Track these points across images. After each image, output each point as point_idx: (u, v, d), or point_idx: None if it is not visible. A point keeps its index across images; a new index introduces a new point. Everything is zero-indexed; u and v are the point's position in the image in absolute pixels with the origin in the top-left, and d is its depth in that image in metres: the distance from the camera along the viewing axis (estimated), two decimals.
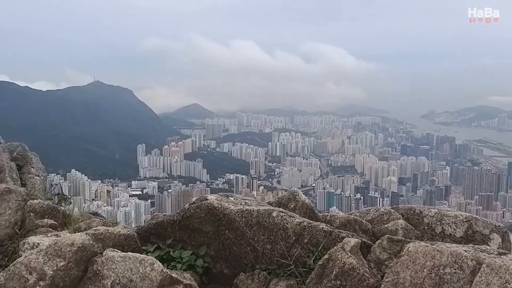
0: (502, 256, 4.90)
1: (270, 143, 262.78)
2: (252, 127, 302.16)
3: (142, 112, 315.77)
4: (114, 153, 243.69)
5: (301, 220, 6.40)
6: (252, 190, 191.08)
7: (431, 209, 8.54)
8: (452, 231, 7.96)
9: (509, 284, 4.35)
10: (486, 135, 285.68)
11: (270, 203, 8.30)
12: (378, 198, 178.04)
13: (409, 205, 9.21)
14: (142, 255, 5.54)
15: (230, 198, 7.18)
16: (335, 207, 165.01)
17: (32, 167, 11.80)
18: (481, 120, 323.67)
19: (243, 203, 6.95)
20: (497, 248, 7.76)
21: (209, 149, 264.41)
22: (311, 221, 6.52)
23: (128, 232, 6.35)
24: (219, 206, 6.61)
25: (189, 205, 7.01)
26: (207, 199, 6.83)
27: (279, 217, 6.38)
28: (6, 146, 11.18)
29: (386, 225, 8.12)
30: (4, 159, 10.10)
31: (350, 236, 6.43)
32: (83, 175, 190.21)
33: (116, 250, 5.69)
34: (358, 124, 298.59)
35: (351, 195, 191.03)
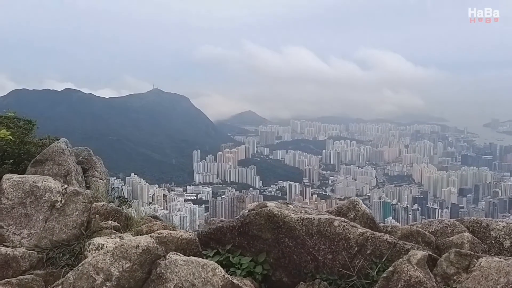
0: None
1: (324, 150, 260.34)
2: (306, 134, 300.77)
3: (198, 119, 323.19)
4: (171, 158, 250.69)
5: (364, 231, 6.25)
6: (305, 198, 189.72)
7: (499, 222, 8.15)
8: None
9: None
10: None
11: (329, 212, 8.18)
12: (437, 209, 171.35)
13: (475, 218, 8.81)
14: (205, 260, 5.61)
15: (289, 205, 7.13)
16: (391, 218, 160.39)
17: (96, 170, 12.32)
18: None
19: (303, 211, 6.88)
20: None
21: (262, 156, 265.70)
22: (374, 232, 6.35)
23: (190, 237, 6.45)
24: (279, 213, 6.58)
25: (248, 211, 7.02)
26: (266, 206, 6.81)
27: (341, 227, 6.26)
28: (73, 150, 11.73)
29: (450, 238, 7.81)
30: (71, 163, 10.60)
31: (415, 248, 6.20)
32: (142, 179, 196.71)
33: (179, 253, 5.79)
34: (416, 133, 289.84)
35: (408, 205, 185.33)
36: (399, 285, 5.19)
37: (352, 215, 7.88)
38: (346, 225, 6.31)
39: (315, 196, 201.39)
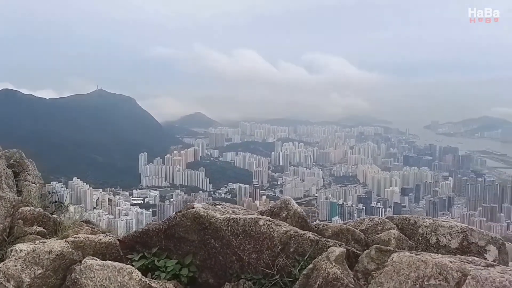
0: (489, 268, 4.75)
1: (273, 152, 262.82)
2: (256, 136, 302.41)
3: (145, 121, 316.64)
4: (116, 161, 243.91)
5: (288, 229, 6.29)
6: (255, 200, 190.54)
7: (426, 219, 8.41)
8: (447, 242, 7.82)
9: None
10: (489, 146, 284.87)
11: (262, 212, 8.20)
12: (381, 209, 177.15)
13: (404, 215, 9.07)
14: (121, 264, 5.44)
15: (217, 206, 7.08)
16: (337, 217, 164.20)
17: (28, 174, 11.77)
18: (484, 131, 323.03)
19: (230, 212, 6.85)
20: (494, 260, 7.62)
21: (212, 158, 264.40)
22: (298, 230, 6.41)
23: (110, 240, 6.25)
24: (205, 214, 6.51)
25: (175, 213, 6.91)
26: (193, 207, 6.73)
27: (266, 226, 6.27)
28: (3, 153, 11.15)
29: (379, 235, 8.00)
30: (1, 166, 10.06)
31: (337, 245, 6.31)
32: (85, 183, 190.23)
33: (95, 258, 5.59)
34: (360, 134, 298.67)
35: (354, 205, 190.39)
36: (318, 282, 5.25)
37: (284, 214, 7.93)
38: (271, 224, 6.33)
39: (264, 197, 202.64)
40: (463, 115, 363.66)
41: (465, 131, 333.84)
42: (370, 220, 8.94)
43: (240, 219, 6.37)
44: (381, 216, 10.79)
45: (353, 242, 7.78)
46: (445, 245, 7.74)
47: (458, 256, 5.25)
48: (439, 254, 5.32)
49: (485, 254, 7.63)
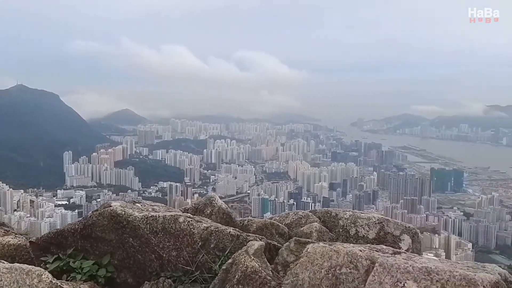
0: (396, 255, 5.01)
1: (205, 150, 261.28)
2: (187, 133, 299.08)
3: (69, 118, 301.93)
4: (38, 161, 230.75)
5: (209, 225, 6.27)
6: (187, 198, 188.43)
7: (347, 212, 8.72)
8: (365, 233, 8.15)
9: (400, 282, 4.42)
10: (410, 142, 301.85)
11: (186, 209, 8.12)
12: (311, 203, 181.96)
13: (326, 209, 9.36)
14: (30, 266, 5.15)
15: (137, 204, 6.90)
16: (269, 213, 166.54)
17: None
18: (405, 127, 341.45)
19: (150, 210, 6.71)
20: (407, 248, 8.06)
21: (141, 157, 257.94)
22: (219, 226, 6.41)
23: (19, 242, 5.91)
24: (123, 213, 6.32)
25: (91, 212, 6.67)
26: (110, 206, 6.52)
27: (186, 223, 6.21)
28: None
29: (301, 228, 8.20)
30: None
31: (258, 239, 6.39)
32: (4, 184, 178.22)
33: (2, 261, 5.25)
34: (291, 132, 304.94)
35: (285, 201, 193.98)
36: (237, 276, 5.28)
37: (208, 211, 7.90)
38: (191, 220, 6.29)
39: (196, 195, 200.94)
40: (386, 113, 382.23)
41: (388, 128, 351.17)
42: (295, 214, 9.15)
43: (159, 216, 6.26)
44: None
45: (277, 236, 7.92)
46: (364, 235, 8.08)
47: (368, 245, 5.50)
48: (351, 244, 5.54)
49: (399, 243, 8.06)
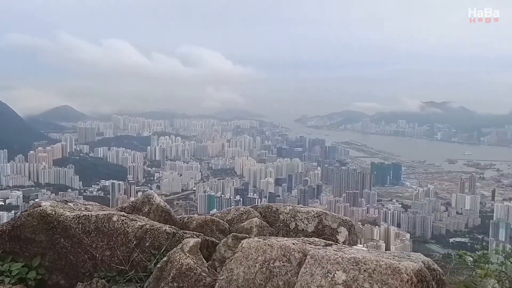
0: (327, 247, 5.17)
1: (149, 147, 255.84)
2: (130, 130, 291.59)
3: (3, 115, 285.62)
4: None
5: (143, 223, 6.19)
6: (130, 197, 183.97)
7: (287, 206, 8.89)
8: (304, 226, 8.35)
9: (330, 273, 4.57)
10: (351, 138, 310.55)
11: (123, 208, 7.96)
12: (257, 199, 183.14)
13: (267, 204, 9.51)
14: None
15: (69, 203, 6.69)
16: (215, 210, 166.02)
17: None
18: (347, 123, 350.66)
19: (82, 209, 6.52)
20: (344, 240, 8.34)
21: (81, 154, 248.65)
22: (155, 224, 6.34)
23: None
24: (53, 213, 6.11)
25: (20, 213, 6.38)
26: (40, 206, 6.27)
27: (120, 221, 6.09)
28: None
29: (242, 224, 8.26)
30: None
31: (195, 236, 6.37)
32: None
33: None
34: (237, 128, 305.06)
35: (231, 197, 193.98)
36: (172, 274, 5.25)
37: (146, 209, 7.79)
38: (125, 219, 6.17)
39: (140, 193, 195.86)
40: (329, 109, 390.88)
41: (331, 124, 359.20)
42: (236, 210, 9.22)
43: (92, 216, 6.10)
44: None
45: (217, 232, 7.95)
46: (303, 229, 8.28)
47: (302, 238, 5.64)
48: (285, 238, 5.66)
49: (337, 235, 8.33)
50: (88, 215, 6.10)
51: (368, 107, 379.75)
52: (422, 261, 4.96)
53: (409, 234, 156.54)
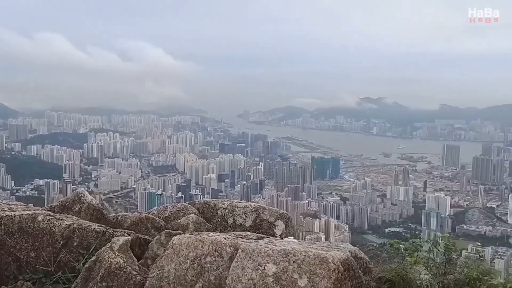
0: (259, 240, 5.25)
1: (85, 144, 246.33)
2: (65, 127, 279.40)
3: None
4: None
5: (71, 223, 5.97)
6: (67, 196, 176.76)
7: (225, 202, 8.89)
8: (242, 221, 8.39)
9: (261, 266, 4.65)
10: (292, 133, 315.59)
11: (52, 207, 7.64)
12: (199, 195, 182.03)
13: (205, 200, 9.46)
14: None
15: None
16: (156, 207, 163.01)
17: None
18: (288, 119, 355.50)
19: (6, 209, 6.19)
20: (281, 233, 8.47)
21: (13, 153, 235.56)
22: (83, 223, 6.14)
23: None
24: None
25: None
26: None
27: (45, 221, 5.85)
28: None
29: (178, 221, 8.18)
30: None
31: (126, 234, 6.24)
32: None
33: None
34: (178, 124, 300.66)
35: (173, 194, 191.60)
36: (100, 273, 5.12)
37: (77, 208, 7.53)
38: (51, 218, 5.93)
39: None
40: (270, 105, 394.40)
41: (272, 119, 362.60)
42: (173, 207, 9.11)
43: (15, 216, 5.81)
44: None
45: (153, 230, 7.82)
46: (241, 224, 8.33)
47: (234, 232, 5.68)
48: (216, 233, 5.68)
49: (274, 229, 8.45)
50: (11, 215, 5.80)
51: (308, 103, 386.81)
52: (349, 251, 5.14)
53: (347, 226, 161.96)
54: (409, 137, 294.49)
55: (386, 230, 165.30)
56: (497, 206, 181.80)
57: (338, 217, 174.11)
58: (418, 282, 7.17)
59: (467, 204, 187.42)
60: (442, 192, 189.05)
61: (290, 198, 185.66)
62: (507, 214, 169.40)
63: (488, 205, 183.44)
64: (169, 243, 5.31)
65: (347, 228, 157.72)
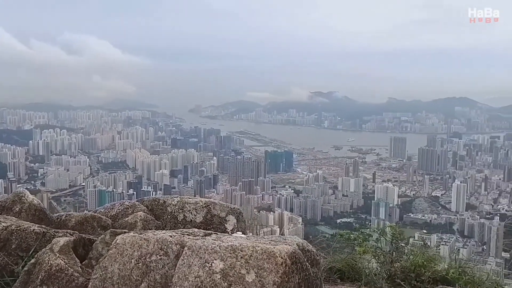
0: (206, 237, 5.19)
1: (31, 141, 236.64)
2: (8, 124, 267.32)
3: None
4: None
5: (8, 224, 5.68)
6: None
7: (174, 198, 8.75)
8: (193, 217, 8.29)
9: (208, 263, 4.59)
10: (246, 127, 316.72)
11: None
12: (152, 192, 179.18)
13: (154, 196, 9.29)
14: None
15: None
16: (103, 206, 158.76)
17: None
18: (241, 113, 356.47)
19: None
20: (233, 227, 8.44)
21: None
22: (22, 224, 5.86)
23: None
24: None
25: None
26: None
27: None
28: None
29: (126, 219, 7.99)
30: None
31: (69, 235, 6.01)
32: None
33: None
34: (128, 119, 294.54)
35: (124, 191, 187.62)
36: (40, 276, 4.90)
37: (17, 209, 7.19)
38: None
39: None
40: (223, 99, 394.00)
41: (225, 114, 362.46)
42: (121, 205, 8.89)
43: None
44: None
45: (99, 229, 7.60)
46: (191, 220, 8.23)
47: (181, 229, 5.59)
48: (162, 231, 5.57)
49: (225, 224, 8.41)
50: None
51: (261, 97, 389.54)
52: (297, 244, 5.17)
53: (301, 218, 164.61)
54: (358, 130, 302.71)
55: (338, 221, 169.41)
56: (441, 195, 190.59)
57: (291, 210, 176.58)
58: (366, 271, 7.39)
59: (413, 194, 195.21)
60: (390, 183, 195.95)
61: (244, 192, 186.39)
62: (451, 202, 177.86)
63: (433, 194, 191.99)
64: (113, 243, 5.15)
65: (301, 220, 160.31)
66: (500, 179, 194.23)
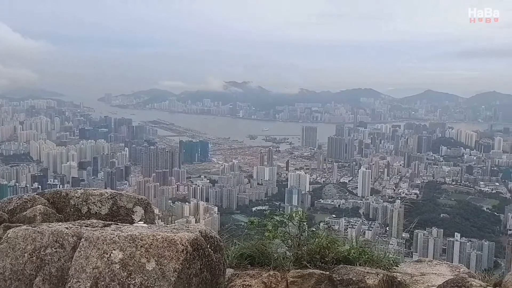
0: (105, 228, 5.11)
1: None
2: None
3: None
4: None
5: None
6: None
7: (78, 190, 8.44)
8: (97, 210, 8.05)
9: (107, 253, 4.53)
10: (159, 117, 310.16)
11: None
12: (58, 185, 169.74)
13: (56, 189, 8.87)
14: None
15: None
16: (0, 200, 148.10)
17: None
18: (154, 102, 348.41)
19: None
20: (140, 218, 8.32)
21: None
22: None
23: None
24: None
25: None
26: None
27: None
28: None
29: (24, 213, 7.61)
30: None
31: None
32: None
33: None
34: (31, 108, 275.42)
35: (28, 185, 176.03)
36: None
37: None
38: None
39: None
40: (134, 88, 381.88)
41: (137, 103, 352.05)
42: (19, 199, 8.42)
43: None
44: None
45: None
46: (96, 212, 8.00)
47: (79, 221, 5.45)
48: (58, 223, 5.40)
49: (132, 215, 8.27)
50: None
51: (174, 85, 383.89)
52: (199, 231, 5.26)
53: (217, 207, 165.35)
54: (272, 119, 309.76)
55: (253, 209, 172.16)
56: (348, 181, 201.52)
57: (207, 200, 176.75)
58: (275, 256, 7.72)
59: (323, 181, 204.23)
60: (302, 171, 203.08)
61: (158, 184, 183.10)
62: (357, 188, 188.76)
63: (341, 180, 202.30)
64: (4, 237, 4.89)
65: (217, 210, 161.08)
66: (401, 165, 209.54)
